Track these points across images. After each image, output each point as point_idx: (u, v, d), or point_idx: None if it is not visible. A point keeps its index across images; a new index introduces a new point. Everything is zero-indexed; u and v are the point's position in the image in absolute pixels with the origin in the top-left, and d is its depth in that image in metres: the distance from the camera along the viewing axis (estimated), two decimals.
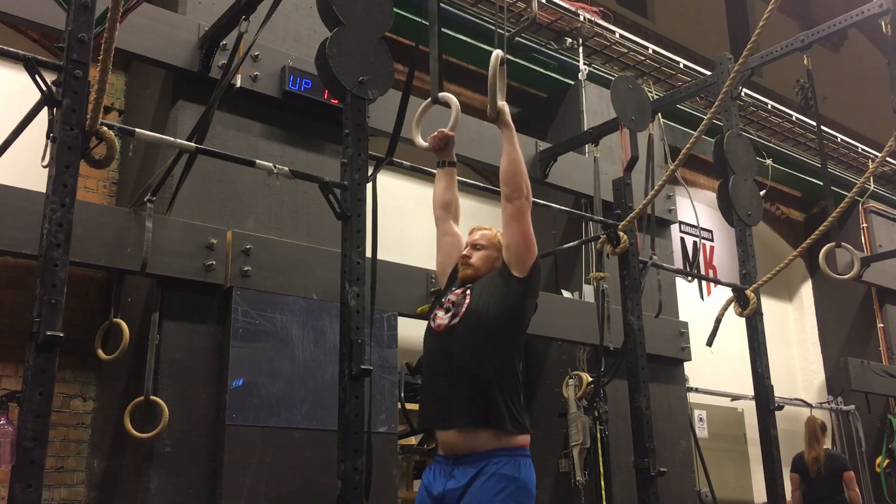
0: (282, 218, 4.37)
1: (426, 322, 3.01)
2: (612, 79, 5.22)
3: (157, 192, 3.81)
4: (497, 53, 2.99)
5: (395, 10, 3.41)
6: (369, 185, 3.29)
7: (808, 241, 4.92)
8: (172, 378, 3.82)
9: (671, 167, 4.85)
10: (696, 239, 6.57)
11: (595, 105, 6.41)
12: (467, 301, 2.85)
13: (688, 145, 4.34)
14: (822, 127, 6.00)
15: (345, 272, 3.12)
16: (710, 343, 5.07)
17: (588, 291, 5.80)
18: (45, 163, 2.67)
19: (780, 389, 5.97)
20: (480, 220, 3.42)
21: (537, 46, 6.37)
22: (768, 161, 7.71)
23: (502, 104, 2.98)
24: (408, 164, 4.10)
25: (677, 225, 6.87)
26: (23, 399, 2.37)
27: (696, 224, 6.55)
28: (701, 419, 7.12)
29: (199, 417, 3.86)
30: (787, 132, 8.40)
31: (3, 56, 2.84)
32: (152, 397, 3.70)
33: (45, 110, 2.70)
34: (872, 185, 8.72)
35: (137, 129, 3.16)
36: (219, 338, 4.00)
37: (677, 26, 9.35)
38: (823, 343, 9.19)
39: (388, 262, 4.41)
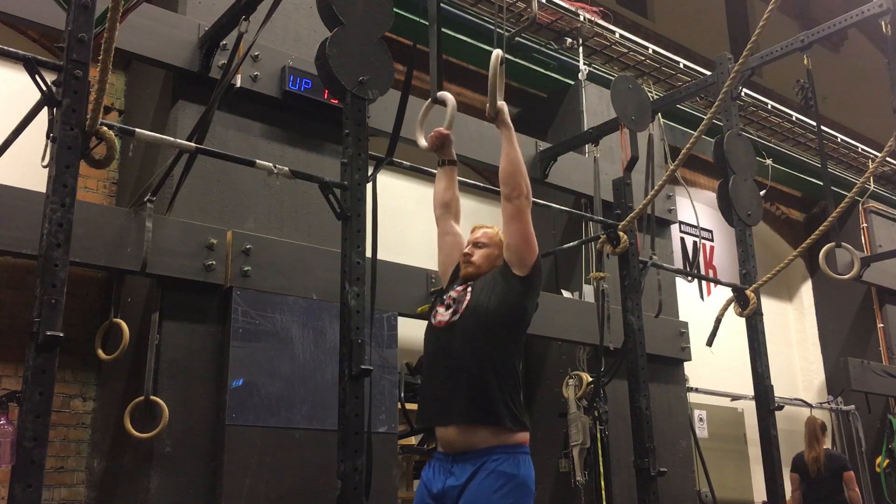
0: (282, 218, 4.37)
1: (427, 321, 3.02)
2: (612, 79, 5.22)
3: (157, 192, 3.81)
4: (497, 53, 3.00)
5: (395, 10, 3.41)
6: (369, 185, 3.29)
7: (808, 241, 4.92)
8: (172, 378, 3.82)
9: (671, 167, 4.85)
10: (696, 239, 6.57)
11: (595, 105, 6.41)
12: (468, 298, 2.86)
13: (688, 145, 4.34)
14: (822, 127, 6.00)
15: (345, 272, 3.12)
16: (710, 343, 5.07)
17: (588, 291, 5.80)
18: (45, 163, 2.67)
19: (780, 389, 5.97)
20: (481, 219, 3.42)
21: (537, 46, 6.36)
22: (768, 161, 7.71)
23: (501, 104, 2.98)
24: (408, 164, 4.10)
25: (677, 225, 6.87)
26: (23, 399, 2.37)
27: (696, 224, 6.55)
28: (701, 419, 7.12)
29: (199, 417, 3.86)
30: (787, 132, 8.40)
31: (3, 56, 2.85)
32: (152, 397, 3.70)
33: (45, 110, 2.70)
34: (872, 185, 8.72)
35: (137, 129, 3.16)
36: (219, 338, 4.00)
37: (677, 26, 9.35)
38: (823, 343, 9.19)
39: (388, 262, 4.41)
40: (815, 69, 5.28)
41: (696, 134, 4.33)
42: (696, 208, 6.12)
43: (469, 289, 2.90)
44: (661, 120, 6.60)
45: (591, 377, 5.45)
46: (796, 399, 8.07)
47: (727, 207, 5.02)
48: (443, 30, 3.85)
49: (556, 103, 6.62)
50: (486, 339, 2.77)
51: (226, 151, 3.69)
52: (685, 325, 6.22)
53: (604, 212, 5.43)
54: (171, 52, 4.11)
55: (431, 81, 3.44)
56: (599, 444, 5.39)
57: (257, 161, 3.30)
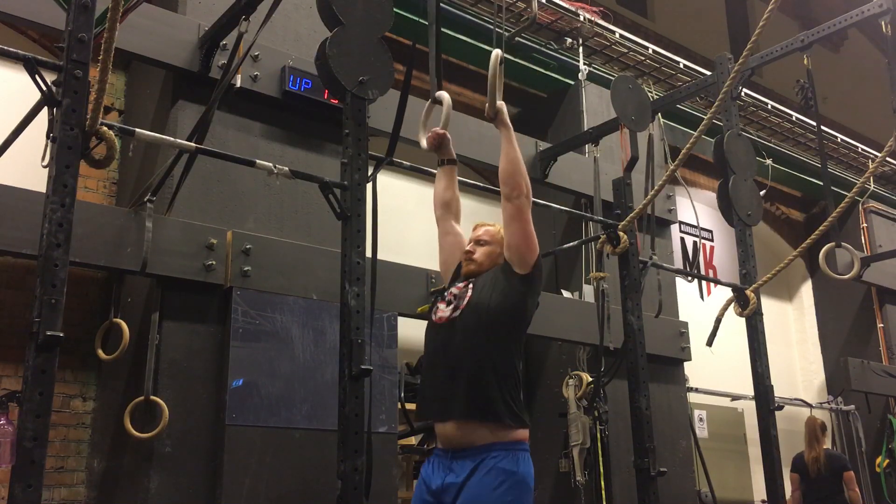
0: (282, 218, 4.37)
1: (427, 321, 3.02)
2: (612, 79, 5.22)
3: (157, 192, 3.81)
4: (496, 53, 3.00)
5: (395, 10, 3.41)
6: (369, 185, 3.29)
7: (808, 241, 4.92)
8: (172, 378, 3.82)
9: (671, 167, 4.85)
10: (696, 239, 6.57)
11: (595, 105, 6.41)
12: (469, 294, 2.87)
13: (688, 145, 4.34)
14: (822, 127, 6.00)
15: (345, 272, 3.12)
16: (710, 343, 5.07)
17: (588, 291, 5.80)
18: (45, 163, 2.67)
19: (780, 389, 5.97)
20: (481, 219, 3.40)
21: (537, 46, 6.36)
22: (768, 161, 7.71)
23: (501, 104, 2.99)
24: (408, 164, 4.10)
25: (677, 225, 6.86)
26: (23, 399, 2.37)
27: (696, 224, 6.55)
28: (701, 419, 7.12)
29: (199, 417, 3.86)
30: (787, 132, 8.40)
31: (3, 56, 2.85)
32: (152, 397, 3.70)
33: (45, 110, 2.70)
34: (872, 185, 8.72)
35: (137, 129, 3.16)
36: (219, 338, 4.00)
37: (677, 26, 9.35)
38: (823, 343, 9.18)
39: (388, 262, 4.41)
40: (815, 69, 5.28)
41: (696, 134, 4.33)
42: (696, 208, 6.13)
43: (471, 285, 2.91)
44: (661, 120, 6.60)
45: (591, 377, 5.45)
46: (796, 399, 8.07)
47: (727, 207, 5.02)
48: (443, 30, 3.85)
49: (556, 103, 6.61)
50: (487, 336, 2.78)
51: (226, 151, 3.69)
52: (685, 325, 6.22)
53: (604, 212, 5.43)
54: (171, 52, 4.11)
55: (431, 81, 3.44)
56: (599, 444, 5.39)
57: (257, 161, 3.30)
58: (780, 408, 4.98)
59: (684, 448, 6.03)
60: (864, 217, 8.92)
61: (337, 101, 4.06)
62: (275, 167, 3.25)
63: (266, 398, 3.95)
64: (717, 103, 4.41)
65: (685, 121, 7.32)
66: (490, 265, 2.97)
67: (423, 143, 3.30)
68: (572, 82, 6.54)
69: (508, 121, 2.98)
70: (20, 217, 3.48)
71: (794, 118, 8.23)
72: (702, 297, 6.06)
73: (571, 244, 5.47)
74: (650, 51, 6.96)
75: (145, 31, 4.02)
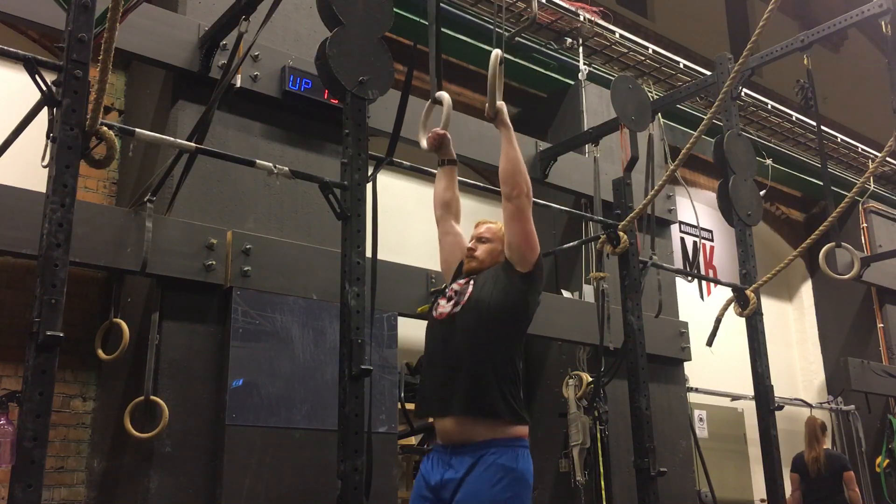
0: (282, 218, 4.37)
1: (426, 321, 3.02)
2: (612, 79, 5.22)
3: (157, 192, 3.81)
4: (496, 53, 3.00)
5: (395, 10, 3.41)
6: (369, 185, 3.29)
7: (808, 241, 4.92)
8: (172, 378, 3.82)
9: (671, 167, 4.85)
10: (696, 239, 6.57)
11: (595, 105, 6.41)
12: (470, 290, 2.88)
13: (688, 145, 4.34)
14: (822, 127, 6.00)
15: (345, 272, 3.12)
16: (710, 343, 5.07)
17: (588, 291, 5.80)
18: (45, 163, 2.67)
19: (780, 389, 5.97)
20: (481, 219, 3.41)
21: (537, 46, 6.36)
22: (768, 161, 7.71)
23: (500, 104, 2.99)
24: (408, 164, 4.10)
25: (677, 225, 6.86)
26: (23, 399, 2.37)
27: (696, 224, 6.55)
28: (701, 419, 7.12)
29: (199, 417, 3.86)
30: (787, 132, 8.40)
31: (3, 56, 2.85)
32: (152, 397, 3.70)
33: (45, 110, 2.70)
34: (872, 185, 8.72)
35: (137, 129, 3.16)
36: (219, 338, 4.00)
37: (677, 26, 9.35)
38: (823, 343, 9.18)
39: (388, 262, 4.41)
40: (815, 69, 5.28)
41: (696, 134, 4.33)
42: (696, 208, 6.13)
43: (472, 282, 2.92)
44: (661, 120, 6.60)
45: (591, 377, 5.45)
46: (796, 399, 8.07)
47: (727, 207, 5.02)
48: (443, 30, 3.85)
49: (556, 103, 6.62)
50: (487, 333, 2.78)
51: (226, 151, 3.69)
52: (685, 325, 6.22)
53: (604, 212, 5.43)
54: (171, 52, 4.11)
55: (431, 81, 3.44)
56: (599, 444, 5.39)
57: (257, 161, 3.30)
58: (780, 408, 4.98)
59: (684, 448, 6.03)
60: (864, 217, 8.92)
61: (337, 101, 4.06)
62: (275, 167, 3.25)
63: (266, 398, 3.95)
64: (717, 103, 4.41)
65: (685, 121, 7.32)
66: (491, 262, 2.98)
67: (424, 143, 3.29)
68: (572, 82, 6.54)
69: (508, 121, 2.98)
70: (20, 217, 3.48)
71: (794, 118, 8.23)
72: (702, 297, 6.06)
73: (571, 244, 5.47)
74: (650, 51, 6.96)
75: (145, 31, 4.02)
